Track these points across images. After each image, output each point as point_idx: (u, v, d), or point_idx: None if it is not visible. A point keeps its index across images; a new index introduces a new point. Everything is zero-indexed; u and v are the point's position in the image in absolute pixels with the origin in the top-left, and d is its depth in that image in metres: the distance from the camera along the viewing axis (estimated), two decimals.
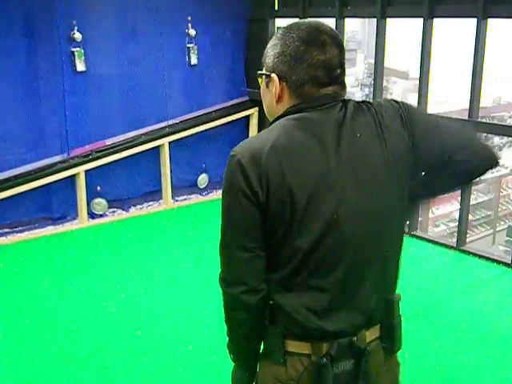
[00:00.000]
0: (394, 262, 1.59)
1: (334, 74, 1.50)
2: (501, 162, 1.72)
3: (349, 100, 1.53)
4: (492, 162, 1.57)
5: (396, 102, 1.59)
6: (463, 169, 1.56)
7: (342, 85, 1.53)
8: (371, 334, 1.57)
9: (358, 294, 1.52)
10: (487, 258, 4.90)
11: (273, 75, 1.53)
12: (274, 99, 1.56)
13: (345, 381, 1.53)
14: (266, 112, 1.67)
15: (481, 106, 4.93)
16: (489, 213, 8.81)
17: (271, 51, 1.56)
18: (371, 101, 1.59)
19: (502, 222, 8.84)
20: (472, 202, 6.33)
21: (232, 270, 1.52)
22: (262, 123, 6.52)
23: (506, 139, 8.95)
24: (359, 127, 1.49)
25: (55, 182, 5.41)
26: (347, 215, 1.46)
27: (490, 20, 4.60)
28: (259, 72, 1.62)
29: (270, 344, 1.57)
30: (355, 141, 1.47)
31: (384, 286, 1.58)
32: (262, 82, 1.62)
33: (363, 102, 1.56)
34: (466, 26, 4.84)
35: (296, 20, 1.60)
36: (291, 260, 1.47)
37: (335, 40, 1.51)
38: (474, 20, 4.62)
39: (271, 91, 1.56)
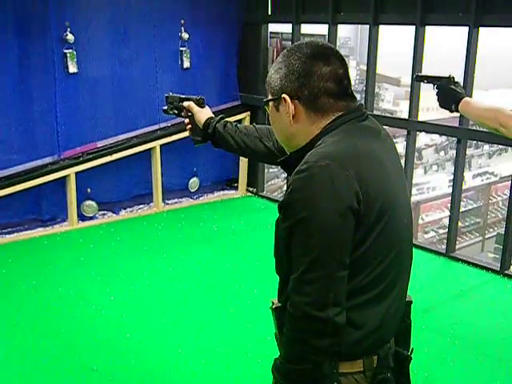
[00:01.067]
0: (411, 264, 1.65)
1: (343, 85, 1.51)
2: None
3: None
4: None
5: None
6: None
7: (353, 97, 1.55)
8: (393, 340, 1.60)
9: (402, 300, 1.59)
10: (476, 265, 4.93)
11: (284, 95, 1.51)
12: (288, 121, 1.52)
13: None
14: (279, 139, 1.64)
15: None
16: (478, 220, 8.85)
17: (276, 75, 1.54)
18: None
19: (491, 230, 8.89)
20: (461, 209, 6.36)
21: (328, 291, 1.38)
22: None
23: (495, 147, 9.02)
24: (391, 140, 1.61)
25: (46, 183, 5.38)
26: (407, 222, 1.54)
27: (481, 29, 4.65)
28: (266, 99, 1.58)
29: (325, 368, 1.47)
30: (393, 154, 1.59)
31: (407, 289, 1.63)
32: (270, 109, 1.59)
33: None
34: (459, 33, 4.87)
35: (295, 42, 1.62)
36: (374, 272, 1.45)
37: (336, 53, 1.53)
38: (466, 28, 4.67)
39: (283, 114, 1.53)
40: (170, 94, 2.37)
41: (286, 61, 1.52)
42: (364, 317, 1.46)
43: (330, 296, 1.38)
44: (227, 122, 2.19)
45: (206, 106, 2.27)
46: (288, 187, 1.44)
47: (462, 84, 2.80)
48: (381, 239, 1.43)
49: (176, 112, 2.34)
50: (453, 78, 2.57)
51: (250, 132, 2.10)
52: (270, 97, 1.57)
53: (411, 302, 1.65)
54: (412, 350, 1.66)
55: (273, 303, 1.60)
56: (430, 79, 2.71)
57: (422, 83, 2.83)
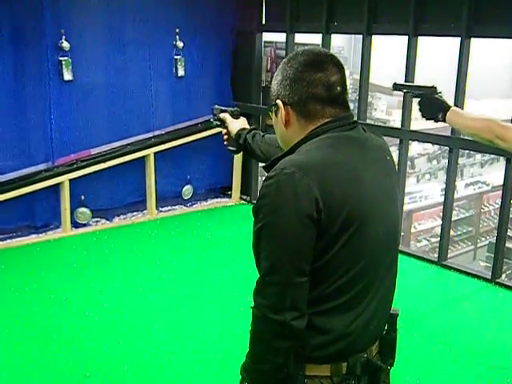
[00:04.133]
0: (396, 275, 1.68)
1: (335, 92, 1.53)
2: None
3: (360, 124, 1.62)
4: None
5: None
6: None
7: (345, 105, 1.56)
8: (375, 349, 1.61)
9: (380, 310, 1.58)
10: (468, 274, 4.96)
11: (277, 101, 1.57)
12: (282, 125, 1.58)
13: None
14: (280, 143, 1.68)
15: None
16: (470, 229, 8.88)
17: (274, 82, 1.60)
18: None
19: (483, 238, 8.92)
20: (454, 217, 6.39)
21: (284, 295, 1.42)
22: None
23: (487, 156, 9.06)
24: (381, 150, 1.62)
25: (39, 190, 5.38)
26: (385, 233, 1.54)
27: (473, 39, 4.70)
28: (268, 106, 1.66)
29: (290, 369, 1.52)
30: (382, 163, 1.60)
31: (391, 300, 1.65)
32: (272, 114, 1.64)
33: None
34: (451, 43, 4.92)
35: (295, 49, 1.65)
36: (340, 280, 1.47)
37: (334, 60, 1.55)
38: (458, 39, 4.72)
39: (279, 119, 1.59)
40: (216, 106, 2.50)
41: (282, 68, 1.57)
42: (329, 323, 1.48)
43: (286, 300, 1.42)
44: (256, 132, 2.26)
45: (242, 117, 2.39)
46: (259, 192, 1.49)
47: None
48: (346, 249, 1.44)
49: (218, 123, 2.44)
50: (435, 87, 2.51)
51: (272, 141, 2.13)
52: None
53: (397, 315, 1.65)
54: (392, 361, 1.66)
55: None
56: (410, 88, 2.64)
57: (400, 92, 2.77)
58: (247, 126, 2.32)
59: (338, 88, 1.53)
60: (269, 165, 1.60)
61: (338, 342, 1.50)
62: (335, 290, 1.47)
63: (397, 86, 2.73)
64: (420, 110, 2.49)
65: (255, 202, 1.49)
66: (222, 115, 2.40)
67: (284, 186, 1.41)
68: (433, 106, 2.47)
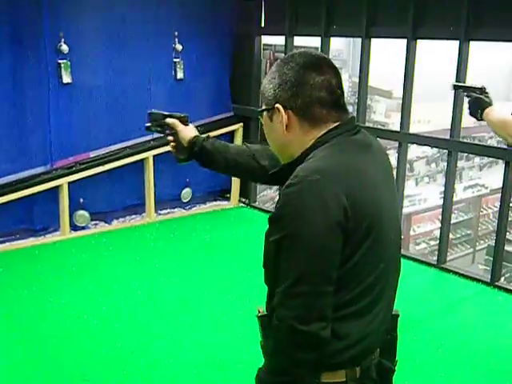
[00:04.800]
0: (398, 280, 1.67)
1: (336, 96, 1.51)
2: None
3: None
4: None
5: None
6: None
7: (345, 108, 1.55)
8: (379, 351, 1.60)
9: (388, 313, 1.59)
10: (467, 277, 4.95)
11: (277, 105, 1.51)
12: (282, 130, 1.52)
13: None
14: (274, 150, 1.63)
15: (462, 126, 5.00)
16: (469, 232, 8.88)
17: (269, 85, 1.54)
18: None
19: (482, 241, 8.91)
20: (453, 220, 6.39)
21: (313, 305, 1.38)
22: (246, 139, 6.56)
23: (486, 159, 9.06)
24: (383, 153, 1.63)
25: (38, 193, 5.37)
26: (394, 236, 1.55)
27: (471, 42, 4.71)
28: (260, 109, 1.58)
29: (306, 380, 1.47)
30: (385, 166, 1.59)
31: (393, 302, 1.65)
32: (263, 119, 1.59)
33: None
34: (449, 46, 4.92)
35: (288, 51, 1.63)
36: (359, 287, 1.45)
37: (329, 63, 1.54)
38: (457, 42, 4.72)
39: (276, 124, 1.53)
40: (153, 110, 2.29)
41: (280, 71, 1.52)
42: (347, 328, 1.46)
43: (315, 310, 1.38)
44: (216, 140, 2.13)
45: (191, 124, 2.18)
46: (278, 200, 1.44)
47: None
48: (368, 255, 1.43)
49: (159, 129, 2.25)
50: (484, 88, 2.76)
51: (241, 150, 2.06)
52: (264, 107, 1.57)
53: (398, 316, 1.66)
54: (396, 362, 1.67)
55: (259, 311, 1.61)
56: (464, 88, 2.91)
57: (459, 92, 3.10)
58: (197, 133, 2.14)
59: (338, 91, 1.52)
60: (276, 172, 1.60)
61: (355, 346, 1.48)
62: (355, 296, 1.45)
63: (455, 86, 3.14)
64: (468, 108, 2.76)
65: (274, 210, 1.45)
66: (170, 121, 2.18)
67: (310, 194, 1.37)
68: (476, 104, 2.72)
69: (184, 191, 6.45)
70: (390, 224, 1.53)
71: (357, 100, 5.68)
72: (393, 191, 1.61)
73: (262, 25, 6.29)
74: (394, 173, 5.12)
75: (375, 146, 1.59)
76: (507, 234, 5.17)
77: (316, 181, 1.36)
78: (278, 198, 1.49)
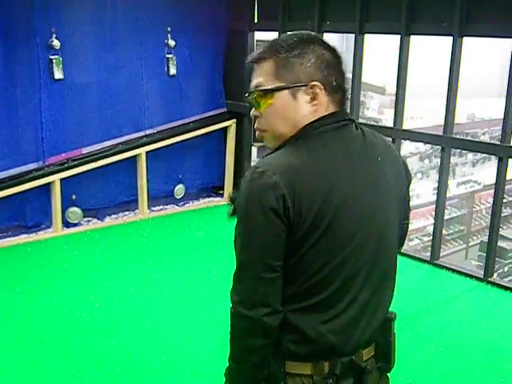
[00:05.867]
0: (392, 280, 1.63)
1: (341, 83, 1.55)
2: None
3: (357, 121, 1.57)
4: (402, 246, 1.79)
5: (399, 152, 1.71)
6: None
7: (344, 98, 1.57)
8: (368, 353, 1.57)
9: (368, 313, 1.54)
10: (460, 273, 4.96)
11: (315, 83, 1.48)
12: (306, 110, 1.49)
13: None
14: (275, 131, 1.54)
15: (455, 122, 5.01)
16: (462, 228, 8.91)
17: (300, 60, 1.48)
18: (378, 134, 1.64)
19: (475, 237, 8.95)
20: (446, 216, 6.41)
21: (255, 291, 1.44)
22: (240, 135, 6.55)
23: (479, 155, 9.09)
24: (379, 151, 1.57)
25: (30, 189, 5.35)
26: (367, 235, 1.50)
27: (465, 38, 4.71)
28: (294, 85, 1.49)
29: (270, 366, 1.52)
30: (376, 164, 1.54)
31: (384, 304, 1.61)
32: (278, 96, 1.50)
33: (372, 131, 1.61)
34: (443, 42, 4.93)
35: (290, 33, 1.58)
36: (315, 278, 1.46)
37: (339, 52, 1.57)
38: (450, 38, 4.72)
39: (301, 102, 1.49)
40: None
41: (311, 48, 1.49)
42: (300, 321, 1.47)
43: (257, 296, 1.43)
44: None
45: None
46: None
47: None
48: (317, 247, 1.43)
49: None
50: None
51: None
52: (283, 84, 1.49)
53: (390, 319, 1.62)
54: (388, 366, 1.63)
55: None
56: None
57: None
58: None
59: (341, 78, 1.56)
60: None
61: (312, 341, 1.48)
62: (309, 289, 1.46)
63: None
64: None
65: None
66: None
67: (254, 184, 1.42)
68: None
69: (177, 187, 6.44)
70: (361, 221, 1.48)
71: (350, 96, 5.67)
72: (383, 188, 1.54)
73: (255, 21, 6.27)
74: None
75: (362, 143, 1.53)
76: (500, 229, 5.19)
77: (261, 172, 1.41)
78: None
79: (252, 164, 6.21)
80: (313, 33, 1.57)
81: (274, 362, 1.50)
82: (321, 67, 1.49)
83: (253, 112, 1.57)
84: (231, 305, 1.48)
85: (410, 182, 1.70)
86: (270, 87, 1.50)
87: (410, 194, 1.74)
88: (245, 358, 1.50)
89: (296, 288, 1.46)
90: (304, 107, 1.49)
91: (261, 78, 1.52)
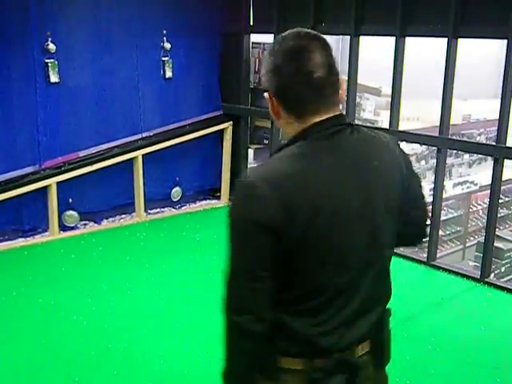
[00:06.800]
0: (387, 278, 1.64)
1: (316, 87, 1.46)
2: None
3: (356, 125, 1.56)
4: (423, 234, 1.78)
5: (399, 146, 1.67)
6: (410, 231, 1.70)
7: (333, 103, 1.51)
8: (362, 349, 1.58)
9: (361, 314, 1.55)
10: (457, 273, 4.97)
11: (265, 93, 1.53)
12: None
13: None
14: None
15: (451, 123, 5.02)
16: (459, 228, 8.89)
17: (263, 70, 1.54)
18: (378, 132, 1.63)
19: (472, 238, 8.93)
20: (442, 217, 6.41)
21: (240, 298, 1.48)
22: (236, 137, 6.55)
23: (475, 156, 9.09)
24: (377, 154, 1.55)
25: (26, 193, 5.34)
26: (357, 243, 1.50)
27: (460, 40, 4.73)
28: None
29: (264, 361, 1.55)
30: (371, 170, 1.52)
31: (379, 303, 1.62)
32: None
33: (371, 129, 1.61)
34: (438, 44, 4.94)
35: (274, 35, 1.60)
36: (307, 286, 1.48)
37: (316, 49, 1.48)
38: (445, 39, 4.74)
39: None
40: None
41: (265, 57, 1.53)
42: (298, 323, 1.50)
43: (242, 303, 1.48)
44: None
45: None
46: None
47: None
48: (306, 259, 1.45)
49: None
50: None
51: None
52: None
53: (385, 317, 1.64)
54: (383, 361, 1.66)
55: None
56: None
57: None
58: None
59: (323, 81, 1.46)
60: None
61: (303, 342, 1.51)
62: (302, 296, 1.49)
63: None
64: None
65: None
66: None
67: (242, 194, 1.45)
68: None
69: (174, 190, 6.43)
70: (351, 228, 1.48)
71: (345, 98, 5.68)
72: (377, 194, 1.51)
73: (251, 23, 6.28)
74: None
75: (357, 150, 1.51)
76: (497, 230, 5.20)
77: (250, 182, 1.44)
78: None
79: (248, 166, 6.23)
80: (290, 32, 1.54)
81: (268, 356, 1.53)
82: (268, 76, 1.51)
83: None
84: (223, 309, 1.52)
85: (411, 172, 1.67)
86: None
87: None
88: (236, 359, 1.55)
89: (289, 294, 1.49)
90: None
91: None
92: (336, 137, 1.49)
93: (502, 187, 4.97)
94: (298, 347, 1.52)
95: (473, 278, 4.87)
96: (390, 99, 5.33)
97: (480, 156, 8.71)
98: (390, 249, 1.63)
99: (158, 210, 6.38)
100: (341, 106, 1.56)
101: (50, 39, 5.23)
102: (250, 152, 6.74)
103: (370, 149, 1.55)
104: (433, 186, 5.26)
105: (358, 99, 6.48)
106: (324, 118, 1.49)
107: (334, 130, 1.49)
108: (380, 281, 1.60)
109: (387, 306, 1.66)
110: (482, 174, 8.71)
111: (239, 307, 1.48)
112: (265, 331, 1.48)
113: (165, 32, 5.95)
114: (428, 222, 1.77)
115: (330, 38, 1.56)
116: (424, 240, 1.76)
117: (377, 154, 1.56)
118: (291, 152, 1.47)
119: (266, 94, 1.52)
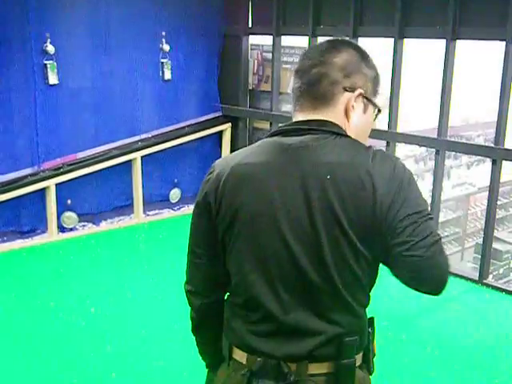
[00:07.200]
0: (343, 297, 1.45)
1: (296, 90, 1.54)
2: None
3: (348, 137, 1.45)
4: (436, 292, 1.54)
5: (402, 168, 1.49)
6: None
7: (307, 107, 1.49)
8: (316, 368, 1.46)
9: (302, 326, 1.45)
10: (455, 275, 4.97)
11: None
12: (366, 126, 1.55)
13: None
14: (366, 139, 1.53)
15: (450, 125, 5.02)
16: (457, 230, 8.91)
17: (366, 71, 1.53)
18: (382, 150, 1.47)
19: (470, 240, 8.95)
20: (441, 219, 6.43)
21: (188, 271, 1.63)
22: (235, 139, 6.55)
23: (474, 158, 9.11)
24: (335, 169, 1.38)
25: (25, 195, 5.34)
26: (281, 246, 1.43)
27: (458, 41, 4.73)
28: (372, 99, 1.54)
29: (223, 349, 1.61)
30: (321, 181, 1.39)
31: (333, 322, 1.46)
32: (358, 104, 1.50)
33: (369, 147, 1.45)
34: (436, 46, 4.95)
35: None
36: (235, 280, 1.52)
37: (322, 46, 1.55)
38: (443, 41, 4.74)
39: (364, 116, 1.53)
40: None
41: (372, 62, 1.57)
42: (235, 316, 1.54)
43: (188, 276, 1.64)
44: None
45: None
46: None
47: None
48: (232, 252, 1.49)
49: None
50: None
51: None
52: (359, 92, 1.50)
53: (346, 341, 1.46)
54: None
55: None
56: None
57: None
58: None
59: (307, 77, 1.49)
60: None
61: (237, 337, 1.53)
62: (233, 289, 1.54)
63: None
64: None
65: None
66: None
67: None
68: None
69: (172, 192, 6.44)
70: (278, 235, 1.42)
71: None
72: (312, 206, 1.39)
73: (250, 25, 6.28)
74: None
75: (307, 157, 1.42)
76: (495, 231, 5.20)
77: (211, 167, 1.57)
78: None
79: None
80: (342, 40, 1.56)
81: (224, 344, 1.59)
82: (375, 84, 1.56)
83: None
84: None
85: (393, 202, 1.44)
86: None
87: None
88: (192, 327, 1.73)
89: (230, 282, 1.54)
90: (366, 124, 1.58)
91: None
92: (289, 140, 1.45)
93: (501, 189, 4.97)
94: (239, 344, 1.54)
95: (471, 280, 4.87)
96: (388, 101, 5.33)
97: (478, 158, 8.73)
98: (348, 276, 1.44)
99: (157, 211, 6.38)
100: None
101: (48, 41, 5.23)
102: None
103: (327, 162, 1.40)
104: (431, 187, 5.26)
105: None
106: (305, 119, 1.49)
107: (290, 129, 1.48)
108: (323, 303, 1.44)
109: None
110: (481, 175, 8.73)
111: (187, 278, 1.64)
112: (204, 307, 1.62)
113: (164, 34, 5.96)
114: (439, 278, 1.51)
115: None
116: (438, 293, 1.55)
117: (337, 170, 1.38)
118: (252, 145, 1.55)
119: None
